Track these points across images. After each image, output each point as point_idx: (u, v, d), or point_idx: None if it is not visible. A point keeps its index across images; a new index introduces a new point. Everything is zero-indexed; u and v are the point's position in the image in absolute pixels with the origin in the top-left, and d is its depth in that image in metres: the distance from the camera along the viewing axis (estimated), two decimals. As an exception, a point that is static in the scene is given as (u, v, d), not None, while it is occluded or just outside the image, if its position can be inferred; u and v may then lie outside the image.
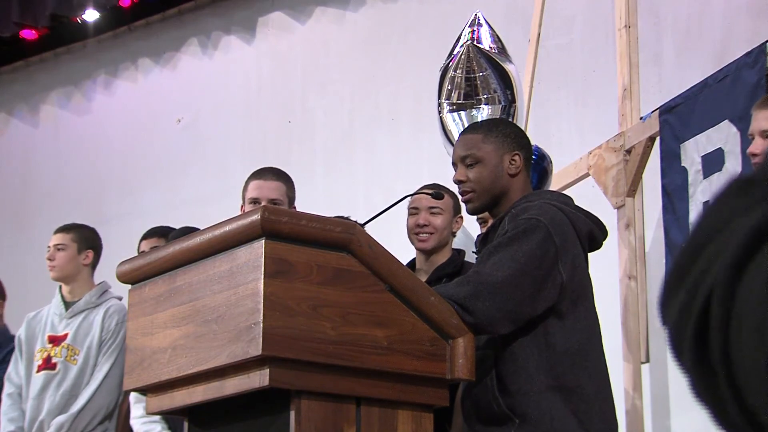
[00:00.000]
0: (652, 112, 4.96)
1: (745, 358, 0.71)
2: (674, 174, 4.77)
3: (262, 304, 2.47)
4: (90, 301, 4.87)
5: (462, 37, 4.85)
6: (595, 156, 5.25)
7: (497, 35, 4.87)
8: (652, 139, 4.97)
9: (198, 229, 2.99)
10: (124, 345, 3.28)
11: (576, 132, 5.99)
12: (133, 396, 4.31)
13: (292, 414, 2.53)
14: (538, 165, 4.54)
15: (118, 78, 8.23)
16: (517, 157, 3.08)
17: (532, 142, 4.82)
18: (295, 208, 3.89)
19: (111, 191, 7.97)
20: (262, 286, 2.48)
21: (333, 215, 3.10)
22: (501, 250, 2.85)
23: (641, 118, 5.06)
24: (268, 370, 2.48)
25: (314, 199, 5.73)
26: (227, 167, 7.30)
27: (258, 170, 3.94)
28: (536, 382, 2.87)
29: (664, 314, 0.81)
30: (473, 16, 4.90)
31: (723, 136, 4.43)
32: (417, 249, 3.98)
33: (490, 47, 4.78)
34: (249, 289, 2.51)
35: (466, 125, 4.59)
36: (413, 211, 3.95)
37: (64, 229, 5.01)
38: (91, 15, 8.04)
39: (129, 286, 2.95)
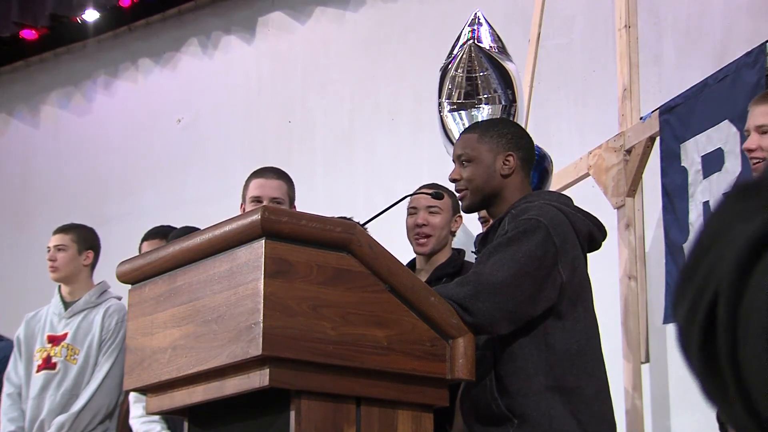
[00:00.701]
0: (652, 112, 4.96)
1: (752, 360, 0.73)
2: (674, 174, 4.77)
3: (262, 304, 2.47)
4: (89, 301, 4.87)
5: (462, 36, 4.84)
6: (595, 156, 5.25)
7: (497, 34, 4.86)
8: (652, 139, 4.97)
9: (198, 229, 2.99)
10: (124, 344, 3.28)
11: (576, 132, 5.98)
12: (132, 395, 4.31)
13: (292, 414, 2.53)
14: (539, 165, 4.54)
15: (118, 78, 8.23)
16: (510, 158, 3.08)
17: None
18: (295, 208, 3.89)
19: (111, 191, 7.97)
20: (262, 286, 2.48)
21: (333, 215, 3.10)
22: (501, 250, 2.86)
23: (641, 118, 5.06)
24: (268, 370, 2.48)
25: (314, 199, 5.73)
26: (227, 167, 7.30)
27: (259, 169, 3.95)
28: (535, 383, 2.87)
29: (673, 316, 0.82)
30: (473, 15, 4.90)
31: (723, 136, 4.43)
32: (416, 253, 3.99)
33: (490, 46, 4.78)
34: (249, 289, 2.51)
35: (467, 125, 4.60)
36: (412, 210, 3.95)
37: (63, 229, 5.00)
38: (91, 15, 8.04)
39: (129, 286, 2.95)
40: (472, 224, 4.59)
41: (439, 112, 4.83)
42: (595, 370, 2.96)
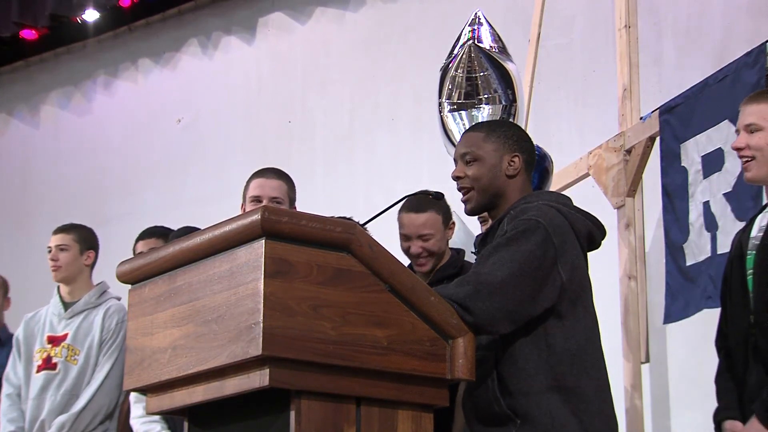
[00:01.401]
0: (652, 112, 4.96)
1: None
2: (674, 174, 4.77)
3: (262, 304, 2.47)
4: (89, 302, 4.87)
5: (462, 36, 4.84)
6: (595, 156, 5.25)
7: (498, 34, 4.86)
8: (652, 139, 4.97)
9: (198, 229, 2.99)
10: (125, 345, 3.28)
11: (576, 132, 5.99)
12: (133, 396, 4.31)
13: (292, 414, 2.53)
14: (539, 165, 4.54)
15: (118, 78, 8.23)
16: (516, 159, 3.09)
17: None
18: (295, 209, 3.90)
19: (111, 191, 7.97)
20: (262, 286, 2.48)
21: (333, 215, 3.10)
22: (500, 250, 2.86)
23: (641, 118, 5.06)
24: (268, 370, 2.48)
25: (314, 199, 5.72)
26: (227, 167, 7.31)
27: (260, 170, 3.95)
28: (536, 383, 2.88)
29: None
30: (473, 15, 4.90)
31: (723, 136, 4.43)
32: (416, 272, 3.96)
33: (490, 46, 4.78)
34: (249, 289, 2.51)
35: (467, 125, 4.60)
36: (404, 237, 3.92)
37: (64, 229, 4.98)
38: (91, 15, 8.04)
39: (128, 286, 2.95)
40: (472, 224, 4.59)
41: (440, 112, 4.83)
42: (595, 370, 2.97)
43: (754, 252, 3.14)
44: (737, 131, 3.28)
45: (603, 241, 3.12)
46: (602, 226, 3.11)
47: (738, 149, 3.25)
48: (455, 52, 4.82)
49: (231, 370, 2.56)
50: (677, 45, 5.70)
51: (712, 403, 3.28)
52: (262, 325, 2.45)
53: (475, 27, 4.84)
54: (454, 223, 4.00)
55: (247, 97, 7.60)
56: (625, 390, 4.87)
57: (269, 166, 4.02)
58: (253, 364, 2.50)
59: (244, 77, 7.65)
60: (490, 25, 4.87)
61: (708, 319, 4.03)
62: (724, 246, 4.25)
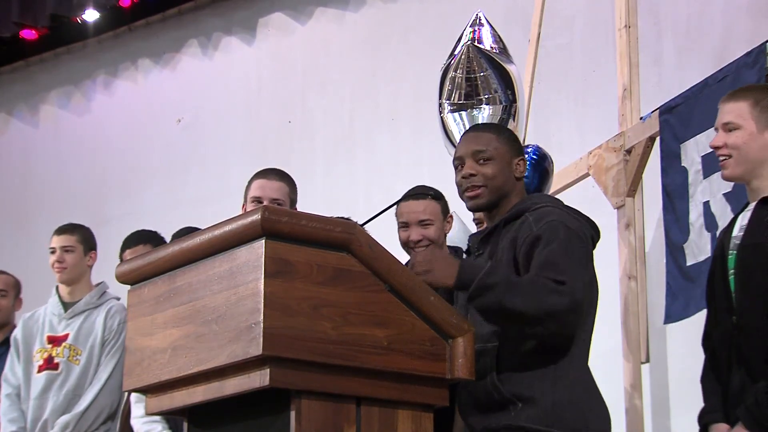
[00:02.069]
0: (652, 112, 4.96)
1: None
2: (674, 174, 4.77)
3: (262, 304, 2.47)
4: (90, 302, 4.87)
5: (463, 37, 4.84)
6: (595, 156, 5.25)
7: (499, 36, 4.86)
8: (652, 139, 4.97)
9: (198, 229, 2.99)
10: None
11: (576, 132, 5.99)
12: (134, 396, 4.31)
13: (293, 414, 2.53)
14: (540, 165, 4.54)
15: (118, 78, 8.23)
16: (522, 162, 3.15)
17: (533, 142, 4.84)
18: (296, 209, 3.90)
19: (111, 191, 7.97)
20: (262, 286, 2.48)
21: (333, 215, 3.10)
22: (560, 253, 2.90)
23: (641, 118, 5.06)
24: (268, 370, 2.48)
25: (314, 199, 5.72)
26: (227, 167, 7.30)
27: (262, 170, 3.96)
28: (537, 374, 2.91)
29: None
30: (474, 16, 4.90)
31: (723, 136, 4.42)
32: None
33: (491, 47, 4.78)
34: (249, 289, 2.51)
35: (467, 125, 4.60)
36: (403, 225, 3.91)
37: (67, 230, 4.94)
38: (91, 15, 8.05)
39: (127, 287, 2.95)
40: (472, 225, 4.58)
41: (440, 112, 4.83)
42: (586, 364, 3.01)
43: (735, 252, 3.13)
44: (716, 129, 3.29)
45: (598, 243, 3.15)
46: (598, 229, 3.14)
47: (716, 148, 3.26)
48: (455, 52, 4.82)
49: (231, 370, 2.56)
50: (677, 45, 5.70)
51: (713, 404, 3.27)
52: (262, 325, 2.46)
53: (476, 28, 4.84)
54: (452, 217, 4.01)
55: (247, 97, 7.60)
56: (625, 390, 4.88)
57: (271, 167, 4.01)
58: (254, 364, 2.50)
59: (244, 77, 7.65)
60: (491, 26, 4.87)
61: (708, 319, 4.02)
62: (725, 246, 4.25)
